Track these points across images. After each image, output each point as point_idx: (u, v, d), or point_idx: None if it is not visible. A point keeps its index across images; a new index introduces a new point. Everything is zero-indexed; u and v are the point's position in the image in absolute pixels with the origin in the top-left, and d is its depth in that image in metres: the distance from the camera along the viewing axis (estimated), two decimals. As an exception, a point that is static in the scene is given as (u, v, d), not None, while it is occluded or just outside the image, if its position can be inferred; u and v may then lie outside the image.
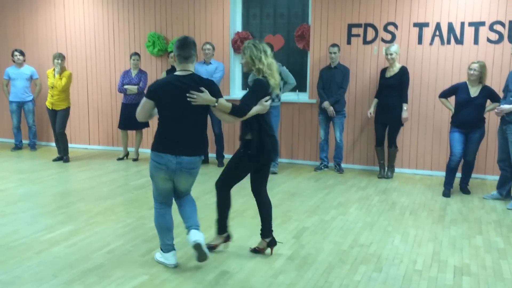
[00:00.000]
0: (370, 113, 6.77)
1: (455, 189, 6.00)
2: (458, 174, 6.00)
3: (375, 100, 6.76)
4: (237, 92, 8.03)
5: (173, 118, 3.49)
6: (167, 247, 3.70)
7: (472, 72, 5.68)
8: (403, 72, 6.49)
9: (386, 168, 6.82)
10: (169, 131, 3.51)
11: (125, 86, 7.56)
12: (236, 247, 4.10)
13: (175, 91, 3.46)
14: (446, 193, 5.85)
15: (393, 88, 6.50)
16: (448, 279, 3.55)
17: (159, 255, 3.80)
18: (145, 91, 7.55)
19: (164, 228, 3.68)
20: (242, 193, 5.83)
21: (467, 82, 5.82)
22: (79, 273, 3.54)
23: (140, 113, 3.61)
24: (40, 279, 3.45)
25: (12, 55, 8.34)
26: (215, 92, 3.54)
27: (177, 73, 3.55)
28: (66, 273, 3.54)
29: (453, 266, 3.77)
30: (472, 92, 5.75)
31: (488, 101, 5.82)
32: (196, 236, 3.55)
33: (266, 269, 3.66)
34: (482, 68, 5.68)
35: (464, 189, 6.00)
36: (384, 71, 6.67)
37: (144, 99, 3.57)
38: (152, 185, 3.68)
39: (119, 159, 7.84)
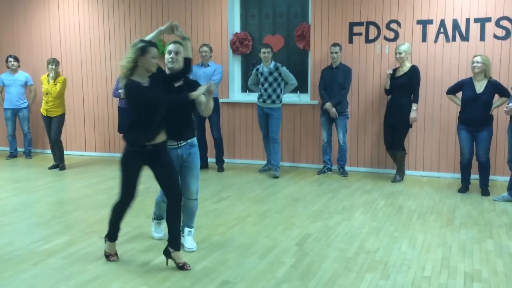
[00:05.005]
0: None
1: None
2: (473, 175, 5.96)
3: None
4: (236, 94, 7.89)
5: None
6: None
7: (475, 64, 5.62)
8: (413, 71, 6.32)
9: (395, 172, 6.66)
10: None
11: (120, 91, 7.43)
12: (238, 255, 3.98)
13: None
14: (463, 190, 5.87)
15: (402, 88, 6.34)
16: (458, 286, 3.43)
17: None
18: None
19: None
20: (242, 199, 5.72)
21: (472, 78, 5.74)
22: (77, 285, 3.45)
23: None
24: (36, 292, 3.38)
25: (6, 61, 8.21)
26: None
27: None
28: (63, 285, 3.45)
29: (463, 272, 3.66)
30: (477, 87, 5.65)
31: (496, 96, 5.69)
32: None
33: (268, 278, 3.55)
34: (485, 60, 5.61)
35: (484, 190, 5.83)
36: (395, 70, 6.50)
37: None
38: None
39: None
